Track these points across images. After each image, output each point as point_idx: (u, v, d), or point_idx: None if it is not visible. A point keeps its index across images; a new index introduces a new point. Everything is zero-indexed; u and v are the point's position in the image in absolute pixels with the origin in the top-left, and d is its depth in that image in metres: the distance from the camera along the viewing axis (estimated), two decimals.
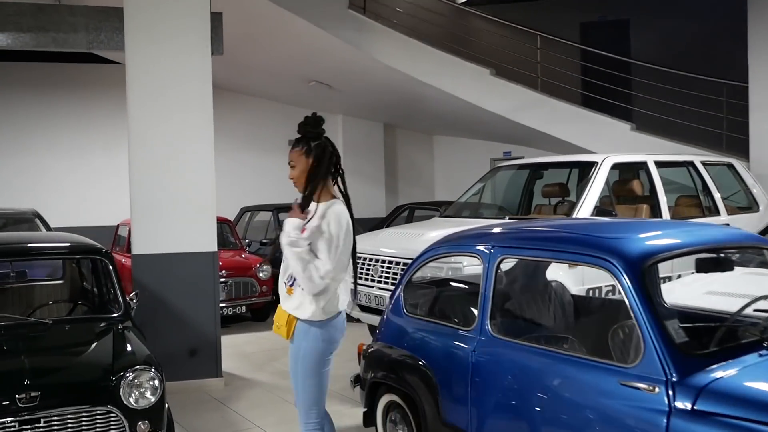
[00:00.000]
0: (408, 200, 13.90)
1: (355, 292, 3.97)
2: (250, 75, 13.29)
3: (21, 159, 13.39)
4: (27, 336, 4.55)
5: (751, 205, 8.21)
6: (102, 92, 13.15)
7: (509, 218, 7.32)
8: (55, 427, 3.87)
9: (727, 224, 7.23)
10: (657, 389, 2.93)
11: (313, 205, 3.70)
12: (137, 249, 6.50)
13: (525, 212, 8.04)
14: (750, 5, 9.57)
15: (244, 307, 9.53)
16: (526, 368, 3.52)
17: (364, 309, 7.05)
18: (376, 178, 15.11)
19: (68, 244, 5.28)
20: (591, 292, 6.22)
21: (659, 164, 7.49)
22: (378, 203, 14.86)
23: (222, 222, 10.48)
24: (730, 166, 8.38)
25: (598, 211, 6.79)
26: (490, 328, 3.78)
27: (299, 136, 3.74)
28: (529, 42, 11.12)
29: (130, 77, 6.50)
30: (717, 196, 7.72)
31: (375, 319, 6.98)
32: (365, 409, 4.61)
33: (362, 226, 9.37)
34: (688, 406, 2.82)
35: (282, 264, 3.83)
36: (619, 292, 3.23)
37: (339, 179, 3.74)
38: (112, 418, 3.98)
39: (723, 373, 2.90)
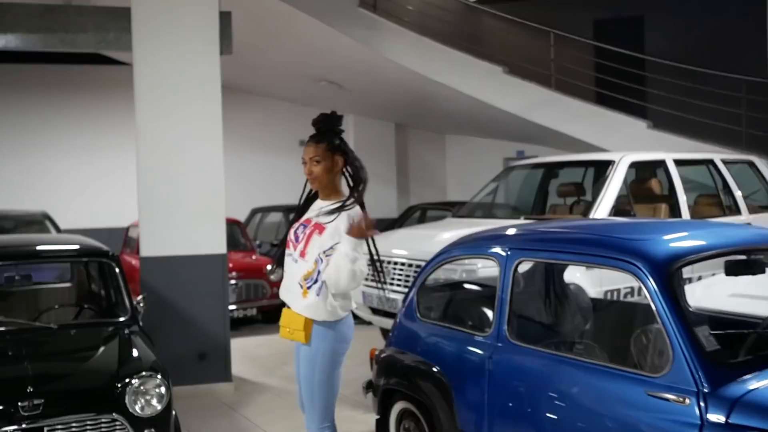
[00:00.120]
0: (420, 201, 13.78)
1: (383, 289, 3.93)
2: (260, 75, 13.19)
3: (31, 161, 13.35)
4: (31, 341, 4.46)
5: None
6: (112, 93, 13.05)
7: (524, 218, 7.18)
8: None
9: (749, 223, 7.05)
10: (687, 401, 2.78)
11: (324, 203, 3.64)
12: (145, 251, 6.40)
13: (539, 212, 7.90)
14: None
15: (254, 310, 9.43)
16: (545, 376, 3.37)
17: (376, 312, 6.93)
18: (388, 179, 14.98)
19: (74, 247, 5.18)
20: (609, 294, 6.08)
21: (678, 162, 7.33)
22: (389, 204, 14.73)
23: (232, 223, 10.38)
24: (751, 164, 8.19)
25: (616, 211, 6.64)
26: (507, 333, 3.64)
27: (318, 130, 3.65)
28: (543, 39, 10.95)
29: (137, 77, 6.42)
30: (738, 194, 7.54)
31: (387, 322, 6.86)
32: (378, 417, 4.48)
33: (375, 226, 9.27)
34: (722, 419, 2.67)
35: (291, 264, 3.69)
36: (644, 296, 3.09)
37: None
38: (117, 427, 3.88)
39: (757, 383, 2.75)
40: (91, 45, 6.99)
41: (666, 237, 3.37)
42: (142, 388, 3.98)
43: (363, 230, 3.42)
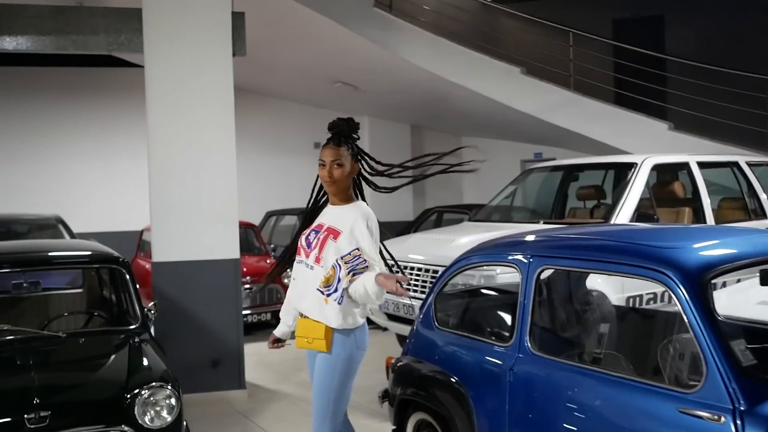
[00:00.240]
0: (436, 203, 13.66)
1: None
2: (274, 76, 13.11)
3: (44, 164, 13.31)
4: (39, 350, 4.36)
5: None
6: (125, 96, 13.00)
7: (543, 222, 7.03)
8: None
9: None
10: (723, 419, 2.62)
11: (335, 209, 3.60)
12: (157, 256, 6.30)
13: (559, 216, 7.76)
14: None
15: (269, 314, 9.31)
16: (569, 390, 3.22)
17: (392, 318, 6.81)
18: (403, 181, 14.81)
19: (84, 253, 5.09)
20: (632, 300, 5.92)
21: (702, 165, 7.16)
22: (405, 206, 14.59)
23: (247, 227, 10.30)
24: None
25: (638, 214, 6.48)
26: (529, 344, 3.49)
27: (336, 134, 3.61)
28: (561, 39, 10.79)
29: (149, 79, 6.33)
30: (763, 197, 7.36)
31: (403, 329, 6.74)
32: (394, 428, 4.34)
33: (389, 229, 9.15)
34: None
35: (305, 272, 3.60)
36: (669, 304, 2.94)
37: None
38: None
39: None
40: (102, 47, 6.91)
41: (698, 245, 3.21)
42: (152, 399, 3.87)
43: (393, 287, 3.30)
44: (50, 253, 5.22)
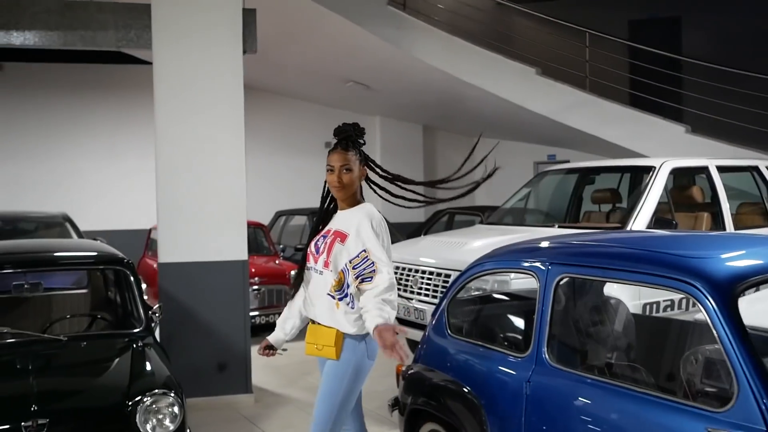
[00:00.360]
0: (447, 205, 13.48)
1: None
2: (285, 75, 13.00)
3: (52, 162, 13.24)
4: (39, 354, 4.23)
5: None
6: (134, 93, 12.91)
7: (558, 226, 6.89)
8: None
9: None
10: None
11: (344, 213, 3.55)
12: (163, 257, 6.19)
13: (573, 219, 7.60)
14: None
15: (277, 316, 9.11)
16: (589, 405, 3.07)
17: (403, 322, 6.65)
18: None
19: (86, 254, 4.97)
20: (648, 307, 5.77)
21: (721, 169, 7.00)
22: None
23: (256, 227, 10.19)
24: None
25: (657, 219, 6.32)
26: (547, 356, 3.34)
27: (343, 139, 3.54)
28: (577, 40, 10.63)
29: (157, 76, 6.23)
30: None
31: (413, 333, 6.60)
32: None
33: (400, 231, 9.03)
34: None
35: (314, 277, 3.53)
36: (690, 312, 2.79)
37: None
38: None
39: None
40: (111, 43, 6.80)
41: (726, 255, 3.05)
42: (154, 406, 3.74)
43: (388, 348, 3.18)
44: (53, 254, 5.10)
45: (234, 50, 6.34)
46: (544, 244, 3.86)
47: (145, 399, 3.74)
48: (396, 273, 6.63)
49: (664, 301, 5.86)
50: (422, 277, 6.40)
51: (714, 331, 2.70)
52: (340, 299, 3.44)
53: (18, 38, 6.62)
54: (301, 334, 3.76)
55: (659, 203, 6.48)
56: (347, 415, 3.56)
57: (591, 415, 3.05)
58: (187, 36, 6.27)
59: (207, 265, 6.21)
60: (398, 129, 14.64)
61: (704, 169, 6.97)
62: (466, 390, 3.73)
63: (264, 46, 7.27)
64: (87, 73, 13.36)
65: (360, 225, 3.44)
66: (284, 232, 12.14)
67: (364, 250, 3.39)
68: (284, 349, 3.77)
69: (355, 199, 3.58)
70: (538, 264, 3.54)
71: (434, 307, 4.60)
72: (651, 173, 6.62)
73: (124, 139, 13.49)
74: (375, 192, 3.68)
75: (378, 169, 3.65)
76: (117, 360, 4.30)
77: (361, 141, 3.60)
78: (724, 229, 6.72)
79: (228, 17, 6.33)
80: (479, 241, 6.28)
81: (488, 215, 8.26)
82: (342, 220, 3.55)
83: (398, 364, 4.41)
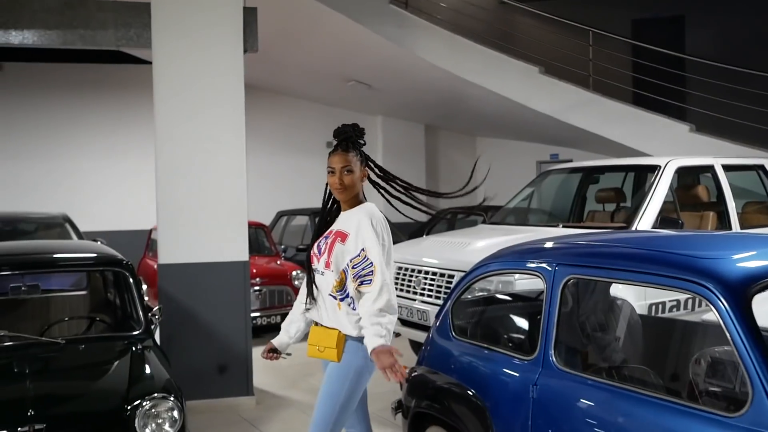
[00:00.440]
0: (449, 204, 13.40)
1: None
2: (287, 74, 12.94)
3: (52, 162, 13.16)
4: (36, 357, 4.16)
5: None
6: (135, 93, 12.83)
7: (563, 226, 6.82)
8: None
9: None
10: None
11: (346, 213, 3.51)
12: (163, 258, 6.12)
13: (577, 219, 7.53)
14: None
15: (278, 317, 9.12)
16: (598, 409, 3.00)
17: (405, 323, 6.60)
18: (417, 182, 14.34)
19: (85, 256, 4.89)
20: (654, 307, 5.71)
21: (727, 168, 6.93)
22: None
23: (257, 227, 10.13)
24: None
25: (662, 219, 6.25)
26: (554, 358, 3.27)
27: (343, 141, 3.51)
28: (581, 39, 10.57)
29: (157, 74, 6.16)
30: None
31: (416, 334, 6.54)
32: None
33: (401, 231, 8.94)
34: None
35: (317, 278, 3.50)
36: (700, 314, 2.72)
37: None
38: None
39: None
40: (111, 42, 6.74)
41: (738, 255, 2.98)
42: (153, 411, 3.67)
43: (385, 370, 3.20)
44: (51, 255, 5.03)
45: (235, 49, 6.28)
46: (551, 244, 3.79)
47: (144, 403, 3.67)
48: (399, 273, 6.57)
49: (669, 301, 5.81)
50: (425, 278, 6.33)
51: (727, 333, 2.63)
52: (342, 299, 3.41)
53: (17, 37, 6.56)
54: (304, 337, 3.70)
55: (664, 203, 6.43)
56: (347, 419, 3.52)
57: (600, 419, 2.97)
58: (188, 35, 6.21)
59: (207, 266, 6.14)
60: (400, 128, 14.58)
61: (710, 168, 6.91)
62: (470, 393, 3.66)
63: (265, 45, 7.21)
64: (87, 73, 13.29)
65: (360, 224, 3.40)
66: (285, 233, 12.08)
67: (363, 249, 3.36)
68: (288, 353, 3.70)
69: (358, 200, 3.54)
70: (544, 265, 3.47)
71: (437, 307, 4.54)
72: (656, 172, 6.55)
73: (124, 139, 13.41)
74: (379, 192, 3.65)
75: (376, 170, 3.62)
76: (116, 363, 4.23)
77: (362, 141, 3.56)
78: (730, 228, 6.67)
79: (229, 16, 6.26)
80: (483, 242, 6.21)
81: (491, 215, 8.20)
82: (343, 220, 3.52)
83: (402, 366, 4.35)
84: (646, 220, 6.23)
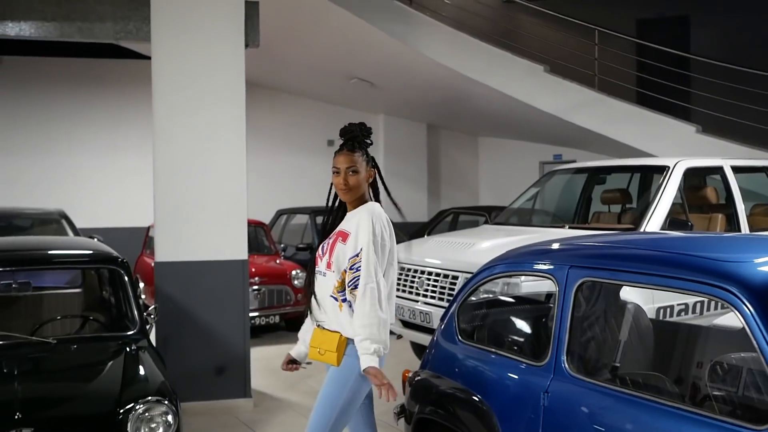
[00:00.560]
0: (451, 204, 13.40)
1: None
2: (288, 70, 12.82)
3: (49, 157, 13.01)
4: (26, 358, 4.02)
5: None
6: (134, 89, 12.68)
7: (569, 227, 6.70)
8: None
9: None
10: None
11: (350, 213, 3.43)
12: (160, 256, 5.99)
13: (582, 220, 7.44)
14: None
15: (277, 317, 9.02)
16: (613, 419, 2.86)
17: (407, 325, 6.48)
18: (419, 181, 14.54)
19: (79, 253, 4.76)
20: (662, 311, 5.58)
21: (736, 169, 6.82)
22: (420, 207, 14.27)
23: (256, 225, 10.01)
24: None
25: (671, 221, 6.14)
26: (566, 365, 3.13)
27: (349, 140, 3.42)
28: (586, 37, 10.45)
29: (156, 69, 6.04)
30: None
31: (418, 337, 6.42)
32: None
33: (403, 231, 8.83)
34: None
35: (320, 280, 3.41)
36: (711, 319, 2.59)
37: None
38: None
39: None
40: (109, 35, 6.63)
41: (760, 258, 2.84)
42: (146, 414, 3.54)
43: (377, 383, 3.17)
44: (45, 252, 4.89)
45: (236, 44, 6.16)
46: (561, 246, 3.65)
47: (137, 407, 3.54)
48: (401, 274, 6.44)
49: (678, 305, 5.69)
50: (428, 279, 6.21)
51: (753, 339, 2.50)
52: (344, 300, 3.33)
53: (13, 29, 6.45)
54: None
55: (672, 204, 6.32)
56: (345, 424, 3.43)
57: (615, 429, 2.84)
58: (187, 29, 6.08)
59: (205, 265, 6.02)
60: (402, 127, 14.47)
61: (719, 169, 6.81)
62: (476, 399, 3.53)
63: (266, 41, 7.10)
64: (85, 68, 13.15)
65: (360, 223, 3.32)
66: (285, 231, 11.98)
67: (362, 249, 3.28)
68: (308, 362, 3.58)
69: (363, 201, 3.45)
70: (556, 267, 3.33)
71: (440, 309, 4.41)
72: (665, 173, 6.45)
73: (122, 135, 13.28)
74: (385, 192, 3.57)
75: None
76: (108, 364, 4.10)
77: (368, 141, 3.47)
78: (740, 230, 6.58)
79: (230, 10, 6.14)
80: (488, 242, 6.10)
81: (495, 215, 8.09)
82: (346, 220, 3.44)
83: (405, 370, 4.23)
84: (654, 222, 6.12)
